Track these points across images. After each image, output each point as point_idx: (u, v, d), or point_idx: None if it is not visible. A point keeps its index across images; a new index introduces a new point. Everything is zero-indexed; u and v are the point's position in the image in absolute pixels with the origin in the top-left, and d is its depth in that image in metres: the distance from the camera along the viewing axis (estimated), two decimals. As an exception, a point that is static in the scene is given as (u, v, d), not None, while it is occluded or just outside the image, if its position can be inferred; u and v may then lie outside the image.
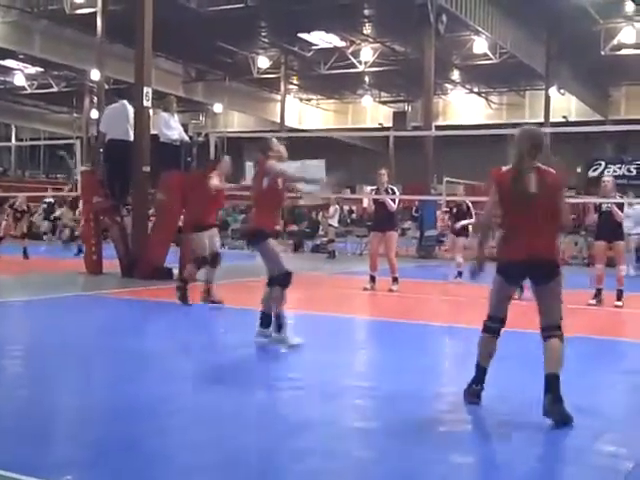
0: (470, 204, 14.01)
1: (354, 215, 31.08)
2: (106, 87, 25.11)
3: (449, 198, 22.27)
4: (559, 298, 4.68)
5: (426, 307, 11.08)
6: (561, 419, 4.40)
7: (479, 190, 22.35)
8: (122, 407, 4.69)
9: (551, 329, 4.62)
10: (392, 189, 12.32)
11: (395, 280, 11.78)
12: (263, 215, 6.91)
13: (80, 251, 17.14)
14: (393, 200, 12.02)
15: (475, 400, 4.82)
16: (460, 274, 12.95)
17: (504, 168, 4.81)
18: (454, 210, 14.20)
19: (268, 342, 6.71)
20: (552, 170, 4.74)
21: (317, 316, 9.34)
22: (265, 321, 6.75)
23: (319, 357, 6.57)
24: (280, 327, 6.71)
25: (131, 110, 13.17)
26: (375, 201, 12.28)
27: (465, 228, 13.65)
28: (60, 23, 26.26)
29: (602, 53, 26.64)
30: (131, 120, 13.14)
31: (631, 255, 16.02)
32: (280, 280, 6.69)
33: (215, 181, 9.16)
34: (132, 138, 13.09)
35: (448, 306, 11.21)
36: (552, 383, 4.46)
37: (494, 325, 4.78)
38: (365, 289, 11.78)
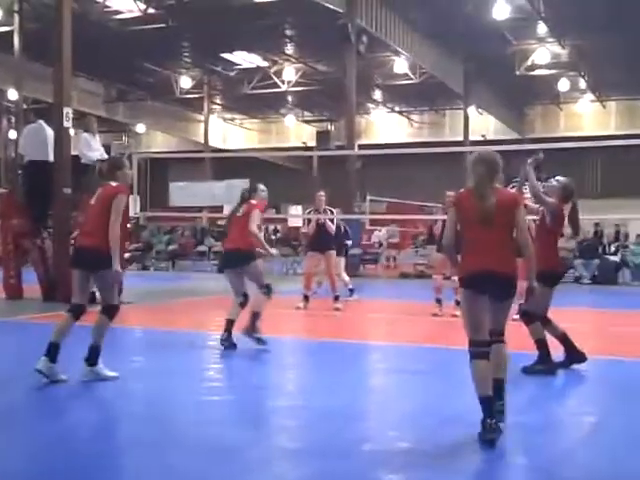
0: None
1: (279, 234, 31.09)
2: (24, 107, 24.57)
3: (373, 217, 22.66)
4: (510, 310, 4.90)
5: (360, 325, 11.18)
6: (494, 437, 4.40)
7: (402, 208, 22.77)
8: (41, 438, 4.59)
9: (499, 334, 4.78)
10: (331, 210, 12.77)
11: (337, 298, 11.98)
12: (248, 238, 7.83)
13: None
14: (332, 221, 12.42)
15: (496, 436, 4.42)
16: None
17: (461, 190, 5.16)
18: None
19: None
20: (508, 190, 5.25)
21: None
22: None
23: (245, 377, 6.56)
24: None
25: (49, 130, 12.94)
26: (316, 222, 12.53)
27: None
28: (-25, 42, 25.58)
29: (517, 73, 27.47)
30: (50, 140, 12.89)
31: None
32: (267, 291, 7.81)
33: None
34: (52, 159, 12.85)
35: (383, 324, 11.34)
36: (496, 388, 4.60)
37: (480, 349, 4.61)
38: (298, 308, 11.85)
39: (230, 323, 7.74)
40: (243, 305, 7.86)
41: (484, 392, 4.52)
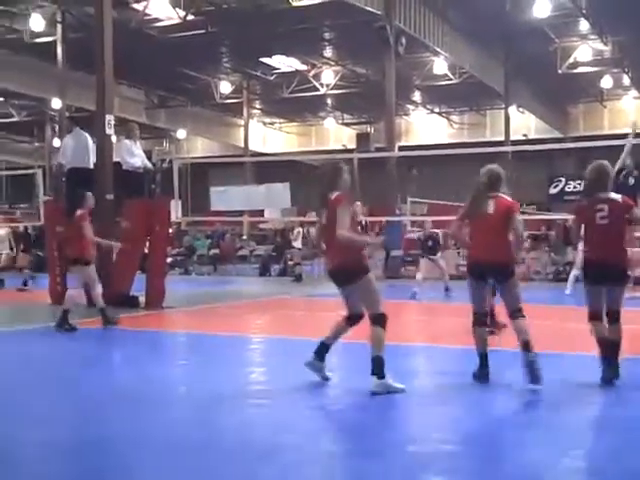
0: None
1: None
2: (67, 115, 24.97)
3: (413, 218, 22.53)
4: (516, 290, 6.05)
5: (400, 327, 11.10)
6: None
7: (443, 209, 22.61)
8: (88, 440, 4.63)
9: (514, 312, 5.98)
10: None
11: None
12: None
13: (25, 283, 17.12)
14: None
15: (486, 381, 6.04)
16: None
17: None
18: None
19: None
20: (508, 199, 6.28)
21: (288, 340, 9.32)
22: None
23: (287, 380, 6.56)
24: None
25: (88, 137, 13.12)
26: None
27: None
28: (19, 52, 26.06)
29: (559, 71, 27.14)
30: (90, 147, 13.07)
31: None
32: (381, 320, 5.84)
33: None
34: (92, 166, 13.03)
35: (423, 325, 11.27)
36: (525, 347, 5.85)
37: (480, 319, 6.14)
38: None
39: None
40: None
41: (481, 350, 6.13)
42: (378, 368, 5.65)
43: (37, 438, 4.75)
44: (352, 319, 6.11)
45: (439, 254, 15.31)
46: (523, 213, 12.92)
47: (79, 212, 9.97)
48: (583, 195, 6.50)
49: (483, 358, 6.11)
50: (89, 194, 10.27)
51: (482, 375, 6.10)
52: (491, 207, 6.11)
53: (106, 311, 9.93)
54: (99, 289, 10.14)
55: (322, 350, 6.17)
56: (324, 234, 5.99)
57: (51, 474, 4.09)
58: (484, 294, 6.24)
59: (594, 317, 6.07)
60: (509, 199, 6.30)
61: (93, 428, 4.89)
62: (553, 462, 4.18)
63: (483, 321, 6.20)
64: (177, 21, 23.06)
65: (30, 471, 4.18)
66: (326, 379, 6.19)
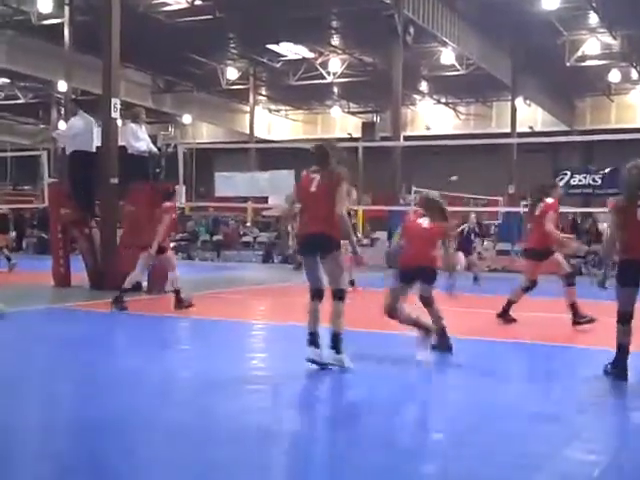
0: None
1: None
2: (73, 98, 24.94)
3: (417, 208, 22.48)
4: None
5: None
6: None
7: (448, 199, 22.56)
8: (88, 423, 4.64)
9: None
10: None
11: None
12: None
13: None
14: None
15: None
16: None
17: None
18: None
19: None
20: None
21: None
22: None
23: (288, 367, 6.58)
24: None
25: (92, 121, 13.14)
26: None
27: None
28: (27, 34, 26.02)
29: (567, 64, 27.03)
30: (94, 131, 13.09)
31: None
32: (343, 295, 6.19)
33: None
34: (94, 149, 13.05)
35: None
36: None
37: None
38: None
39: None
40: None
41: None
42: (337, 344, 5.97)
43: (37, 419, 4.78)
44: (316, 295, 6.18)
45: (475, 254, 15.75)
46: (526, 206, 12.90)
47: (168, 204, 10.62)
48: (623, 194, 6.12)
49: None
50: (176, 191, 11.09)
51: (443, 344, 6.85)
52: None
53: (181, 294, 10.33)
54: (177, 273, 10.62)
55: (313, 339, 6.11)
56: (311, 201, 6.13)
57: (51, 455, 4.11)
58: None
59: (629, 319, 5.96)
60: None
61: (93, 411, 4.91)
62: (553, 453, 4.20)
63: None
64: (185, 6, 23.02)
65: (31, 452, 4.21)
66: (324, 366, 6.06)
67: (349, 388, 5.96)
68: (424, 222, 7.00)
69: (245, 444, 4.27)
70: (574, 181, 23.06)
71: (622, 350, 5.95)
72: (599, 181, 22.74)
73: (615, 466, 4.12)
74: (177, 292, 10.36)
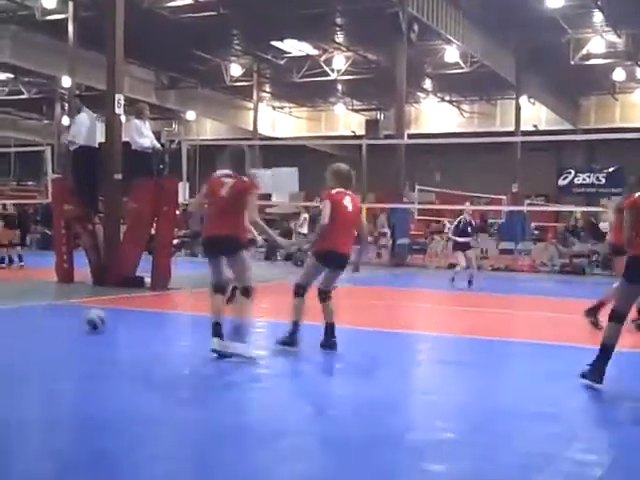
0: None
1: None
2: (77, 93, 24.93)
3: (421, 206, 22.50)
4: None
5: (405, 315, 11.13)
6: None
7: (451, 198, 22.56)
8: (90, 418, 4.64)
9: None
10: None
11: None
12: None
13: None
14: None
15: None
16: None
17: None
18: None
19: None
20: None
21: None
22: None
23: (290, 365, 6.57)
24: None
25: (94, 117, 13.17)
26: None
27: None
28: (30, 29, 26.00)
29: (571, 63, 26.97)
30: (97, 127, 13.13)
31: None
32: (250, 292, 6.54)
33: None
34: (97, 145, 13.08)
35: (427, 314, 11.26)
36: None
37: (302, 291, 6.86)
38: None
39: None
40: None
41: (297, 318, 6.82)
42: (241, 335, 6.36)
43: (34, 415, 4.77)
44: (218, 289, 6.62)
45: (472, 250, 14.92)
46: (531, 204, 12.89)
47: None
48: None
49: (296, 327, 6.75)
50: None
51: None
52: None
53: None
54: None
55: (217, 330, 6.40)
56: (220, 206, 6.45)
57: (51, 451, 4.11)
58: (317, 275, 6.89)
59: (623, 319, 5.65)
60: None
61: (93, 406, 4.90)
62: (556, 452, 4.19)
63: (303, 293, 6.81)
64: (189, 2, 23.00)
65: (30, 446, 4.20)
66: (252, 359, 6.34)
67: (346, 388, 5.95)
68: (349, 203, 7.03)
69: (245, 442, 4.27)
70: (578, 180, 23.06)
71: (607, 351, 5.55)
72: (603, 180, 22.74)
73: (617, 466, 4.11)
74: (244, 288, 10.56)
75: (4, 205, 18.95)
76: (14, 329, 8.36)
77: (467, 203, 15.13)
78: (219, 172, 6.60)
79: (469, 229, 14.67)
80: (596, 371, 5.57)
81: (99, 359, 6.57)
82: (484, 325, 9.78)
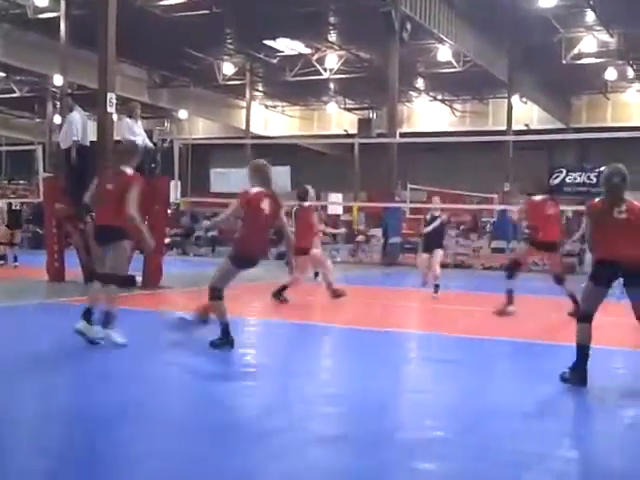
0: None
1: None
2: (69, 92, 24.88)
3: (413, 205, 22.52)
4: None
5: (397, 314, 11.14)
6: None
7: (443, 196, 22.59)
8: (83, 416, 4.64)
9: None
10: None
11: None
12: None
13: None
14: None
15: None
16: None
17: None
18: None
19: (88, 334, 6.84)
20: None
21: (279, 324, 9.34)
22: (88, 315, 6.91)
23: (280, 363, 6.58)
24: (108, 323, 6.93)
25: (85, 115, 13.16)
26: None
27: None
28: (22, 27, 25.92)
29: (563, 62, 27.03)
30: (88, 126, 13.11)
31: None
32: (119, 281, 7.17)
33: None
34: (87, 143, 13.05)
35: (419, 313, 11.28)
36: None
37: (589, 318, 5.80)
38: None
39: None
40: None
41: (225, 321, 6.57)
42: (108, 321, 6.83)
43: (30, 412, 4.77)
44: (92, 276, 7.41)
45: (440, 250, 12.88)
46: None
47: (308, 204, 11.31)
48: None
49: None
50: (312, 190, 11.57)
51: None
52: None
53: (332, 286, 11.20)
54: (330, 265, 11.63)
55: (88, 315, 6.83)
56: (106, 197, 6.98)
57: (43, 449, 4.11)
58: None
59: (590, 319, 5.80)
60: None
61: (84, 406, 4.90)
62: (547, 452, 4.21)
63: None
64: (182, 0, 22.95)
65: (25, 445, 4.20)
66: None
67: (336, 386, 5.96)
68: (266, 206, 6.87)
69: (237, 440, 4.27)
70: (569, 179, 23.09)
71: (584, 352, 5.67)
72: (594, 179, 22.77)
73: (609, 465, 4.12)
74: (329, 285, 11.22)
75: (10, 204, 18.85)
76: (6, 328, 8.33)
77: (435, 198, 13.64)
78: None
79: (433, 227, 12.71)
80: (577, 373, 5.67)
81: (89, 358, 6.55)
82: (475, 324, 9.81)
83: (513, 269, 9.88)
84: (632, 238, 5.63)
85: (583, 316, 5.80)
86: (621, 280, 5.72)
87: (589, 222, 5.98)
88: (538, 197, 10.23)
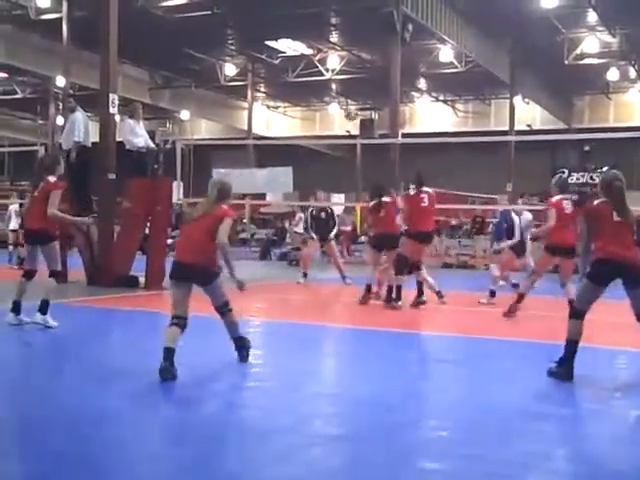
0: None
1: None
2: (71, 93, 24.91)
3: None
4: None
5: (400, 314, 11.14)
6: None
7: (445, 197, 22.58)
8: (79, 418, 4.63)
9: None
10: None
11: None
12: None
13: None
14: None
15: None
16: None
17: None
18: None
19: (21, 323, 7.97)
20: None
21: (279, 324, 9.34)
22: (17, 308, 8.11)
23: (284, 364, 6.58)
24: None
25: (87, 116, 13.19)
26: None
27: None
28: (25, 28, 25.97)
29: (565, 62, 27.03)
30: (89, 127, 13.14)
31: None
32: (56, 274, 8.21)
33: None
34: (90, 144, 13.08)
35: (422, 314, 11.28)
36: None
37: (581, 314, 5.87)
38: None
39: None
40: None
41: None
42: (45, 308, 7.91)
43: (34, 412, 4.77)
44: (28, 274, 8.24)
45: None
46: (526, 204, 12.80)
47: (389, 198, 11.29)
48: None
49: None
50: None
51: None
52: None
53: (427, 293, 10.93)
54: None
55: (16, 307, 8.10)
56: (34, 202, 8.18)
57: (46, 448, 4.11)
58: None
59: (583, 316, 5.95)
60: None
61: (88, 404, 4.91)
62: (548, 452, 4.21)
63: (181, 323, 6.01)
64: (183, 1, 22.99)
65: (26, 442, 4.21)
66: None
67: (339, 386, 5.96)
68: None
69: (240, 441, 4.28)
70: (572, 179, 23.06)
71: (573, 347, 5.85)
72: (597, 179, 22.76)
73: (611, 465, 4.13)
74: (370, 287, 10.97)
75: (21, 204, 18.90)
76: (8, 328, 8.33)
77: (319, 193, 14.51)
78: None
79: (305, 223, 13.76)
80: (565, 368, 5.84)
81: (93, 358, 6.56)
82: (478, 324, 9.80)
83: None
84: (629, 240, 5.88)
85: (577, 313, 5.93)
86: (618, 281, 5.85)
87: (588, 224, 6.13)
88: (558, 196, 9.49)
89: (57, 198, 7.97)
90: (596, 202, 6.11)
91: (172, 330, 5.87)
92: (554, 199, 9.42)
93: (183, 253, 6.01)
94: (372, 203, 11.37)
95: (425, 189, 10.85)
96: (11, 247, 18.20)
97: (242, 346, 6.29)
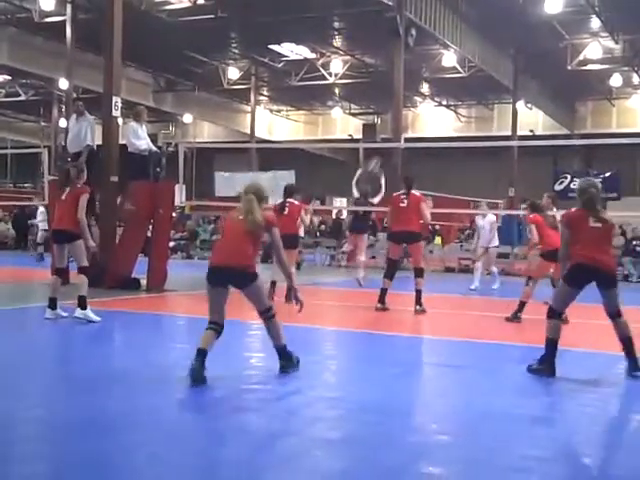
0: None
1: (323, 227, 30.92)
2: (74, 96, 24.95)
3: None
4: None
5: (402, 318, 11.13)
6: None
7: (447, 202, 22.58)
8: (86, 422, 4.63)
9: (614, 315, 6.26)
10: None
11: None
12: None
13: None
14: None
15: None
16: None
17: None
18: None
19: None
20: None
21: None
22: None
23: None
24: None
25: (92, 119, 13.23)
26: None
27: None
28: (28, 31, 26.01)
29: (568, 68, 27.03)
30: (94, 129, 13.19)
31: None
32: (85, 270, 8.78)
33: None
34: (95, 147, 13.12)
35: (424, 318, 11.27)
36: None
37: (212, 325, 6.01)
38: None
39: None
40: None
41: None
42: (83, 303, 8.51)
43: (32, 416, 4.77)
44: (60, 272, 9.11)
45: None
46: (526, 209, 12.82)
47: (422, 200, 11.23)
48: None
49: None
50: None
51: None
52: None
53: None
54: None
55: (52, 303, 8.77)
56: (62, 205, 8.78)
57: (44, 453, 4.11)
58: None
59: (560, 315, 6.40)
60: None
61: (88, 408, 4.90)
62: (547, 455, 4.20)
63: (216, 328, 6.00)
64: (187, 5, 23.01)
65: (24, 449, 4.20)
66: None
67: (343, 390, 5.96)
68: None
69: (243, 444, 4.27)
70: (574, 185, 23.04)
71: (553, 345, 6.19)
72: (599, 185, 22.75)
73: (611, 469, 4.12)
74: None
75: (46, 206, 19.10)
76: (10, 331, 8.34)
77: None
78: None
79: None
80: (547, 365, 6.18)
81: (95, 361, 6.56)
82: (480, 328, 9.80)
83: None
84: (605, 245, 6.32)
85: (555, 313, 6.31)
86: (593, 283, 6.21)
87: (566, 230, 6.44)
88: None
89: (85, 202, 8.65)
90: (573, 209, 6.49)
91: (207, 333, 5.87)
92: (531, 215, 10.09)
93: (221, 256, 5.98)
94: (278, 202, 11.90)
95: (413, 192, 10.87)
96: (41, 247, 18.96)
97: (284, 364, 6.07)
